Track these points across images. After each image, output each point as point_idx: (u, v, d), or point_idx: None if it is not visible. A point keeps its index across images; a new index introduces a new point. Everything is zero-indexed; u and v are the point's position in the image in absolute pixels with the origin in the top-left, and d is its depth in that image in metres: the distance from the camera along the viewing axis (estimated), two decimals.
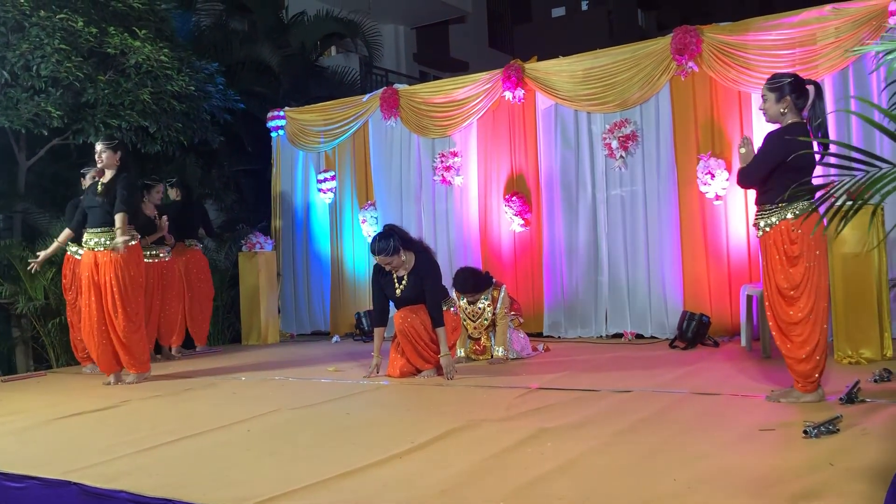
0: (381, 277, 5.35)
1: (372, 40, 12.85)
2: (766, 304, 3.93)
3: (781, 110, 3.84)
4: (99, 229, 5.53)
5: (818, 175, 3.83)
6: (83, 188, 6.15)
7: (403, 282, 5.26)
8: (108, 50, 7.10)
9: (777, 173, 3.78)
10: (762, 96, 3.93)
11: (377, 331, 5.47)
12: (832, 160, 5.58)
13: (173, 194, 7.58)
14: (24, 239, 7.64)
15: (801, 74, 4.03)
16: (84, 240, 5.60)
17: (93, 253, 5.52)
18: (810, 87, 3.84)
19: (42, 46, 6.64)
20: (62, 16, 6.75)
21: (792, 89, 3.81)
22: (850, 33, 5.87)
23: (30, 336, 7.64)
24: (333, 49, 14.94)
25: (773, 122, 3.93)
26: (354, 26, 12.41)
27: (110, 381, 5.63)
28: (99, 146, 5.59)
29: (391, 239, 5.13)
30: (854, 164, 2.29)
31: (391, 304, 5.43)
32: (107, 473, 3.06)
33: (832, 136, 5.09)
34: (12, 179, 7.88)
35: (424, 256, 5.32)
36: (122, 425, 4.18)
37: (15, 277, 7.24)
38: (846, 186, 2.24)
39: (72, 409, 4.61)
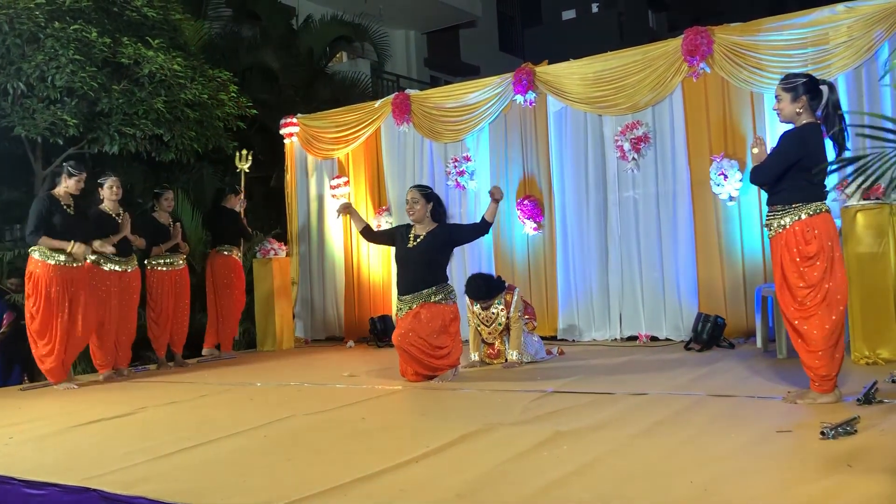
0: (401, 228, 5.64)
1: (380, 43, 12.85)
2: (780, 304, 3.92)
3: (797, 110, 3.83)
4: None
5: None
6: (100, 197, 6.29)
7: (419, 239, 5.41)
8: (122, 60, 7.16)
9: (790, 173, 3.78)
10: (776, 96, 3.92)
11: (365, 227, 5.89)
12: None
13: (236, 203, 7.80)
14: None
15: (814, 74, 4.02)
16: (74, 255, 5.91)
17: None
18: (824, 88, 3.83)
19: (57, 57, 6.71)
20: (76, 27, 6.81)
21: (807, 89, 3.81)
22: (862, 32, 5.84)
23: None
24: (344, 56, 14.99)
25: (788, 123, 3.92)
26: (362, 30, 12.43)
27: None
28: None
29: (430, 190, 5.64)
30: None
31: (396, 261, 5.67)
32: (126, 480, 3.08)
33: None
34: (29, 189, 7.96)
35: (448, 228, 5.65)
36: (140, 432, 4.20)
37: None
38: (859, 182, 2.22)
39: (90, 417, 4.63)
